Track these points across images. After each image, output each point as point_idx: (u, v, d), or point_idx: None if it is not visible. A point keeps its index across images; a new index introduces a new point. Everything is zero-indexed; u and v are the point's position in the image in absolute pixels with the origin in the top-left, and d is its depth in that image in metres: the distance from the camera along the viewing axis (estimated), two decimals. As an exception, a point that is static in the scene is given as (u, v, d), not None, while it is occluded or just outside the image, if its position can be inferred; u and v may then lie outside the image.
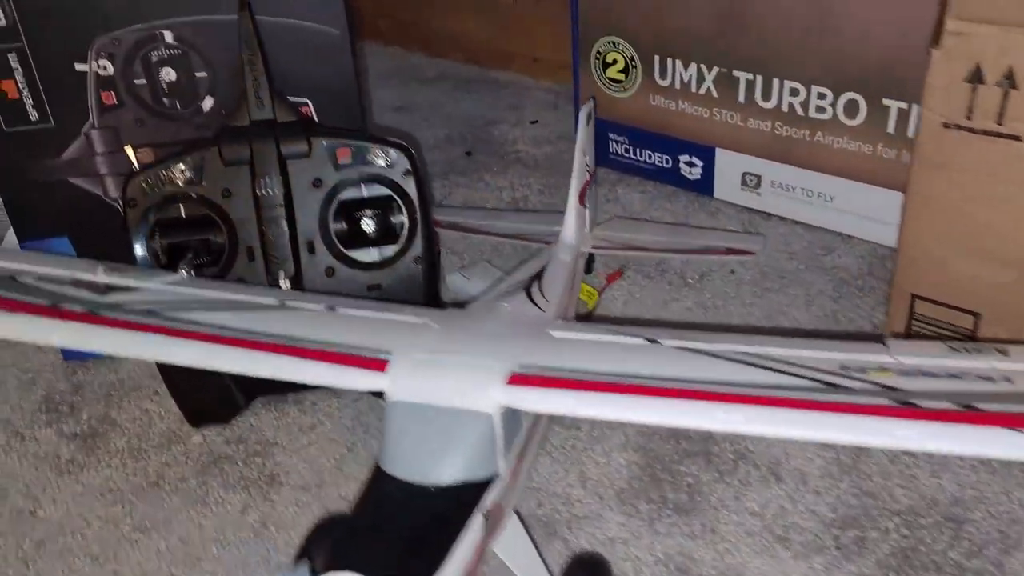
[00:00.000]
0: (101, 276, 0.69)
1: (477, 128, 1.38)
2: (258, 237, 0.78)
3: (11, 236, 0.86)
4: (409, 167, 0.79)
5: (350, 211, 0.80)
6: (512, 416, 0.55)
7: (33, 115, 0.79)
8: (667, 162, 1.15)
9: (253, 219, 0.78)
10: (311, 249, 0.79)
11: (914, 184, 0.71)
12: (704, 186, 1.13)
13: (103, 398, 0.88)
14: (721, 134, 1.08)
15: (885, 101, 0.94)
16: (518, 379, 0.54)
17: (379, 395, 0.56)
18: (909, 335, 0.77)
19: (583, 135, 0.91)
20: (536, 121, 1.39)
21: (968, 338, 0.74)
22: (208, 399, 0.82)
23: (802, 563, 0.66)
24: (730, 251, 0.94)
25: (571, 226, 0.88)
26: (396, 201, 0.79)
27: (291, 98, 0.81)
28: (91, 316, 0.62)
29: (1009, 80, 0.63)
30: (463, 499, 0.52)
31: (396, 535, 0.49)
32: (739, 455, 0.75)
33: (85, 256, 0.84)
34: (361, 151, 0.78)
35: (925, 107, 0.67)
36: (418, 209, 0.79)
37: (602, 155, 1.22)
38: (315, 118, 0.83)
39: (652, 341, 0.60)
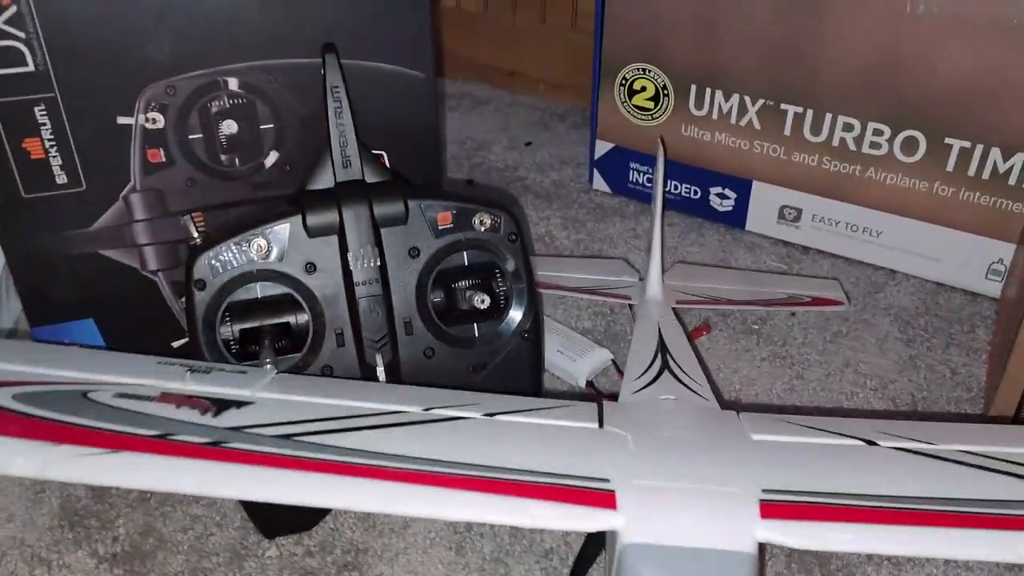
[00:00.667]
0: (191, 384, 0.57)
1: (470, 152, 1.29)
2: (349, 318, 0.67)
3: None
4: (515, 231, 0.70)
5: (450, 283, 0.70)
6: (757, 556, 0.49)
7: (61, 178, 0.65)
8: (696, 193, 1.11)
9: (342, 297, 0.67)
10: (408, 329, 0.69)
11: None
12: (736, 218, 1.10)
13: (137, 505, 0.74)
14: (761, 166, 1.04)
15: (947, 140, 0.92)
16: (772, 509, 0.48)
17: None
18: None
19: (661, 178, 0.84)
20: (530, 143, 1.31)
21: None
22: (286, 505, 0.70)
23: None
24: (816, 301, 0.90)
25: (657, 281, 0.82)
26: (500, 269, 0.71)
27: (368, 151, 0.70)
28: (221, 451, 0.51)
29: None
30: None
31: None
32: None
33: (115, 341, 0.70)
34: (463, 214, 0.69)
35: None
36: (525, 278, 0.71)
37: (620, 184, 1.16)
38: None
39: (870, 443, 0.55)
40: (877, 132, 0.96)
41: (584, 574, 0.67)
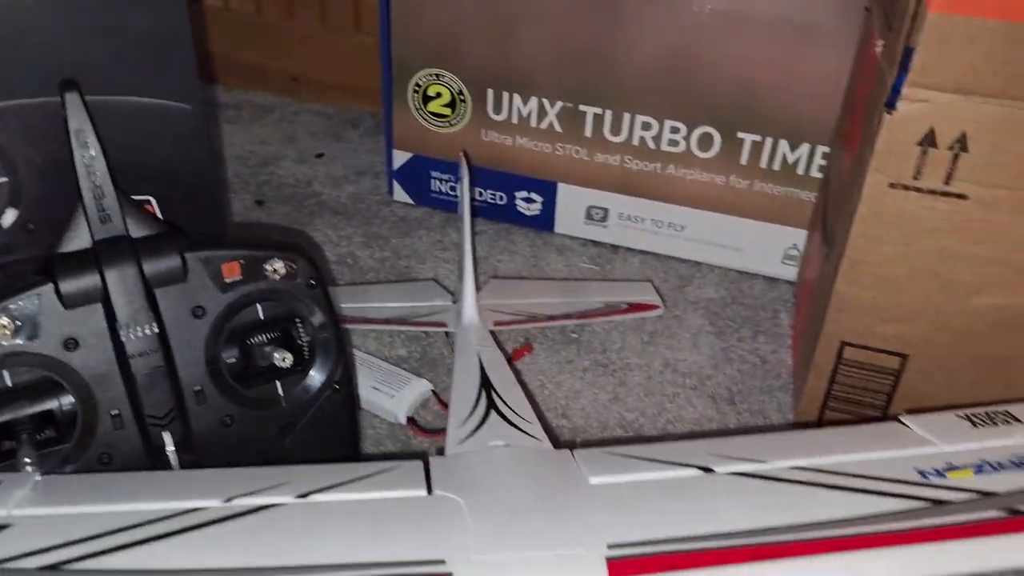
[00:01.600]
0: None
1: (255, 168, 1.18)
2: (126, 396, 0.58)
3: None
4: (314, 276, 0.63)
5: (244, 339, 0.62)
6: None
7: None
8: (502, 199, 1.07)
9: (115, 373, 0.58)
10: (200, 398, 0.60)
11: (854, 240, 0.71)
12: (544, 222, 1.07)
13: None
14: (565, 168, 1.02)
15: (739, 134, 0.94)
16: (620, 567, 0.45)
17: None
18: (834, 380, 0.79)
19: (467, 193, 0.80)
20: (322, 154, 1.22)
21: (892, 385, 0.76)
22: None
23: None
24: (632, 308, 0.89)
25: (472, 305, 0.78)
26: (300, 319, 0.63)
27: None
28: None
29: (960, 144, 0.64)
30: None
31: None
32: None
33: None
34: (252, 263, 0.61)
35: (872, 168, 0.67)
36: (329, 325, 0.64)
37: (423, 195, 1.11)
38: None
39: (706, 470, 0.53)
40: (674, 130, 0.96)
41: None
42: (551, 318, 0.86)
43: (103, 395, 0.57)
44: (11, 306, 0.54)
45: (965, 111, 0.63)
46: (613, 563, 0.45)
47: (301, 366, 0.64)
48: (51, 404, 0.57)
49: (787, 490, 0.52)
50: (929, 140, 0.64)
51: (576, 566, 0.45)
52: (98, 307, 0.56)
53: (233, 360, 0.62)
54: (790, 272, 1.01)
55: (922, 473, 0.52)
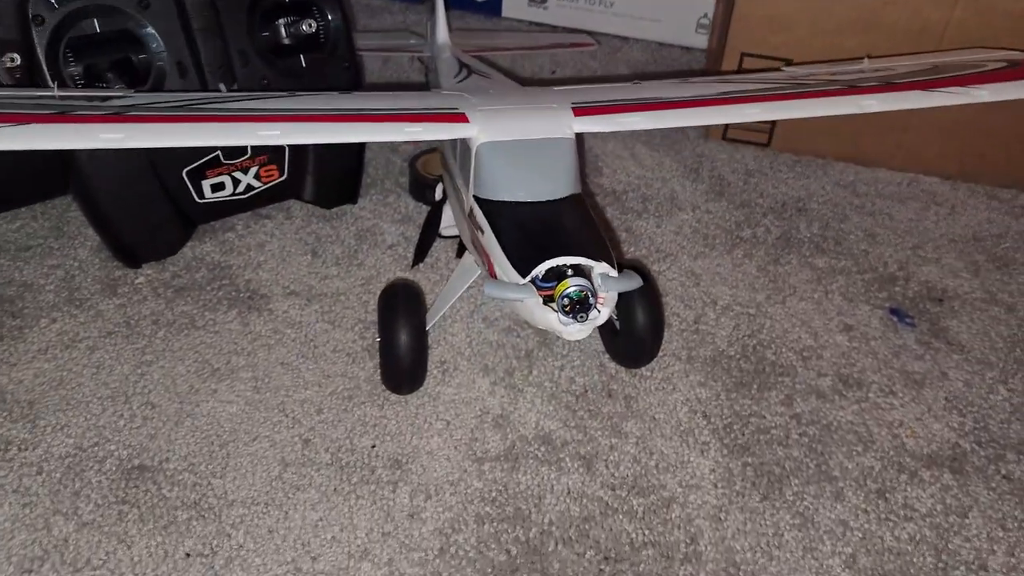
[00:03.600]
0: (61, 92, 0.62)
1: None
2: (187, 49, 0.74)
3: None
4: (331, -29, 0.79)
5: (273, 19, 0.78)
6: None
7: None
8: (455, -14, 1.24)
9: (179, 30, 0.73)
10: (243, 59, 0.76)
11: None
12: (493, 7, 1.24)
13: (-9, 263, 0.77)
14: (510, -46, 1.19)
15: (658, -89, 1.12)
16: (582, 111, 0.64)
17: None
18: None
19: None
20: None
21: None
22: (149, 230, 0.77)
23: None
24: (573, 45, 1.08)
25: (444, 27, 0.95)
26: (317, 7, 0.80)
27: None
28: (123, 117, 0.57)
29: None
30: (578, 204, 0.61)
31: (564, 232, 0.57)
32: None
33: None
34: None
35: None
36: (342, 14, 0.81)
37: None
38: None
39: (635, 82, 0.73)
40: (603, -90, 1.13)
41: (425, 253, 0.80)
42: (507, 49, 1.05)
43: (171, 46, 0.73)
44: (96, -39, 0.69)
45: None
46: (577, 109, 0.64)
47: (316, 47, 0.80)
48: (129, 53, 0.72)
49: (691, 87, 0.71)
50: None
51: (551, 112, 0.64)
52: (164, -26, 0.72)
53: (267, 35, 0.78)
54: (701, 40, 1.20)
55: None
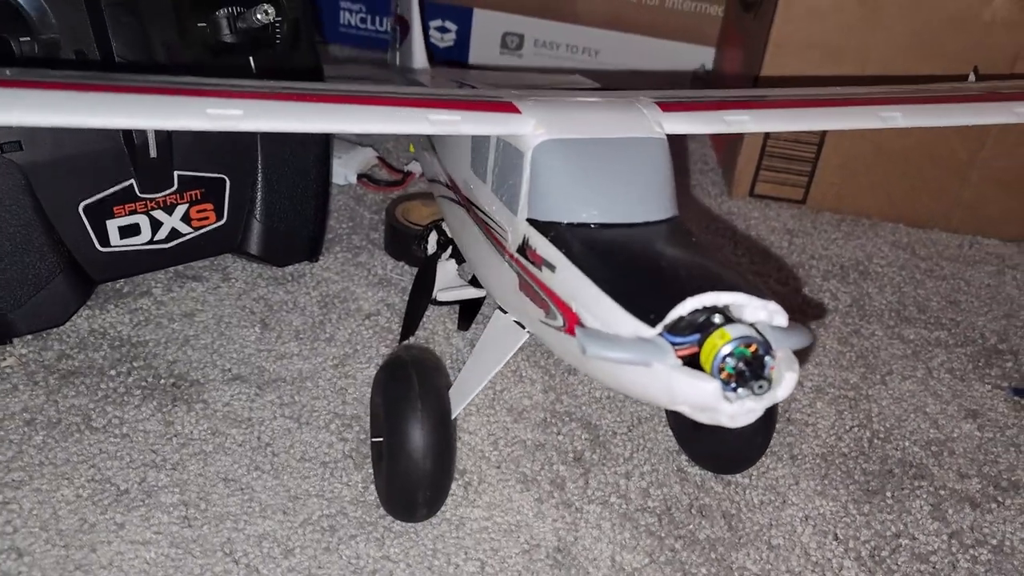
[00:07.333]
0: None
1: None
2: (92, 35, 0.53)
3: None
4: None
5: (213, 7, 0.58)
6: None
7: None
8: (415, 30, 1.06)
9: (81, 7, 0.52)
10: (171, 56, 0.56)
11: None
12: (458, 53, 1.07)
13: None
14: (479, -7, 1.03)
15: (654, -51, 0.99)
16: (671, 107, 0.46)
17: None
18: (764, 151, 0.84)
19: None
20: None
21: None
22: (24, 289, 0.53)
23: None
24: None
25: (422, 52, 0.77)
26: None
27: None
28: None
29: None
30: (684, 232, 0.42)
31: (691, 264, 0.38)
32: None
33: None
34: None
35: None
36: (301, 3, 0.61)
37: (331, 30, 1.08)
38: None
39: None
40: (589, -55, 0.99)
41: (416, 324, 0.60)
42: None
43: (68, 29, 0.52)
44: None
45: None
46: (663, 103, 0.46)
47: (273, 48, 0.60)
48: (9, 33, 0.51)
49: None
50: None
51: (631, 105, 0.45)
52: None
53: (203, 25, 0.58)
54: (697, 95, 1.06)
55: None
